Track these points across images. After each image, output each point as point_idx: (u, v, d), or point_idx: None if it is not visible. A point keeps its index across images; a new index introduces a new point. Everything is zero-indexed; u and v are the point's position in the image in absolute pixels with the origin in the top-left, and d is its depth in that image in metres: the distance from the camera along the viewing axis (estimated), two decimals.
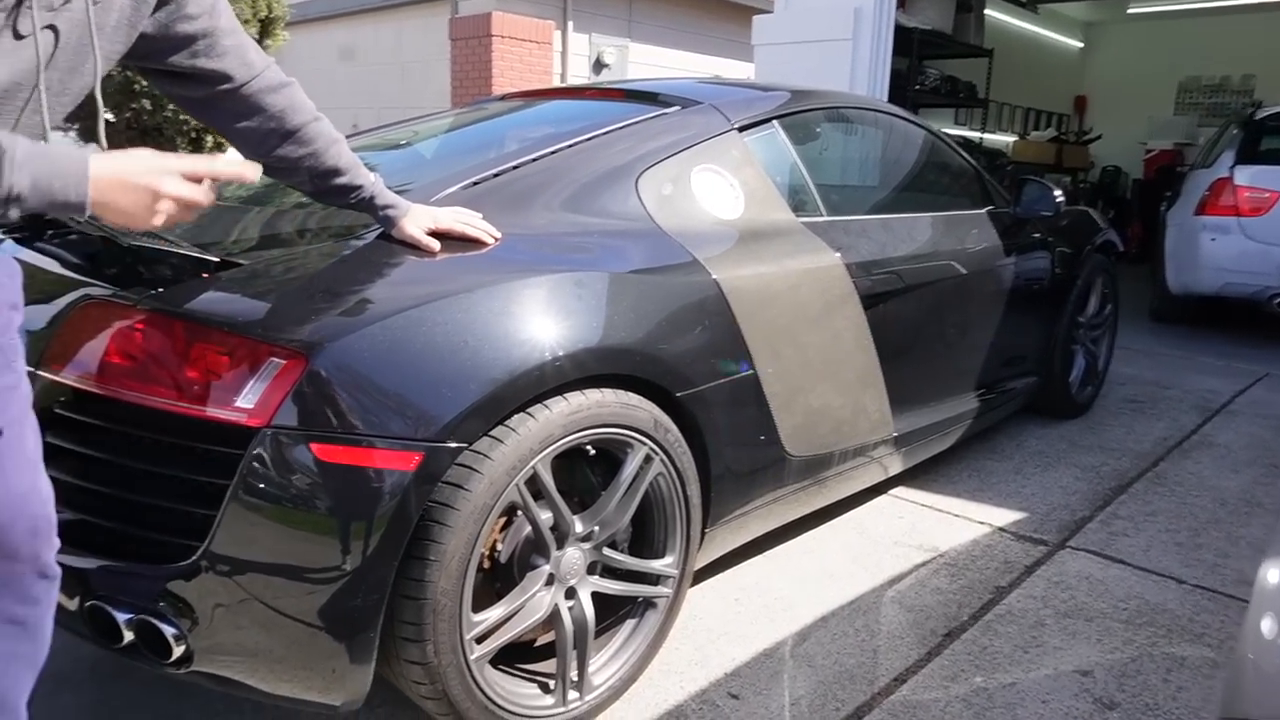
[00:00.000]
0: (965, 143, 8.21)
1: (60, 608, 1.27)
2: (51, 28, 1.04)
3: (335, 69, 11.79)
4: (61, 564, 1.23)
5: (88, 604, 1.28)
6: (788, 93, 2.38)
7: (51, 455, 1.30)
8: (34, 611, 1.18)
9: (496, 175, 1.72)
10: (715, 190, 1.96)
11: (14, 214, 0.94)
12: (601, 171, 1.79)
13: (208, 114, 1.33)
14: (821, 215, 2.21)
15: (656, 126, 1.99)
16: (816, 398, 2.03)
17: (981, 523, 2.44)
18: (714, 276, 1.76)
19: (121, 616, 1.26)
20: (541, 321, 1.42)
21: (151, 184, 1.01)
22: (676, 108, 2.11)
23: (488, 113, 2.50)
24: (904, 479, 2.67)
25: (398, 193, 1.51)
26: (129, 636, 1.26)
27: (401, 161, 2.22)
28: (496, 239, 1.52)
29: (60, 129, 1.02)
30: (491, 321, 1.37)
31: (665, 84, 2.46)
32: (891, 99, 6.00)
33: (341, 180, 1.42)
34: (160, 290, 1.32)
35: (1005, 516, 2.48)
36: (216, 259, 1.35)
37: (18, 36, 1.00)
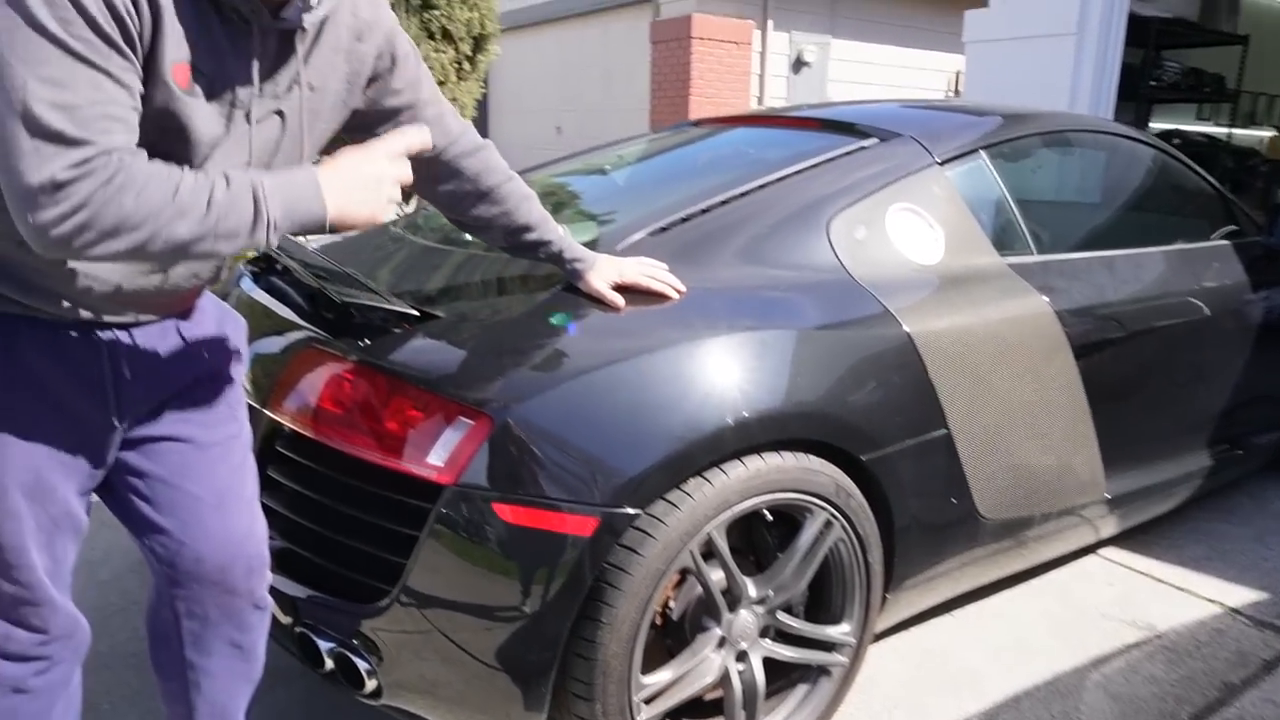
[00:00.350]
0: (1210, 141, 7.35)
1: (276, 622, 1.40)
2: (279, 113, 1.13)
3: (540, 73, 12.30)
4: (275, 588, 1.36)
5: (297, 629, 1.39)
6: (997, 118, 2.21)
7: (267, 487, 1.44)
8: (250, 637, 1.31)
9: (684, 220, 1.71)
10: (913, 232, 1.85)
11: (274, 240, 1.03)
12: (791, 216, 1.74)
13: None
14: (1031, 254, 2.03)
15: (852, 163, 1.90)
16: (1017, 457, 1.87)
17: (1210, 600, 2.17)
18: (906, 329, 1.67)
19: (324, 645, 1.37)
20: (721, 384, 1.40)
21: (373, 175, 1.08)
22: (874, 140, 2.01)
23: (678, 142, 2.50)
24: (1118, 540, 2.43)
25: (587, 239, 1.53)
26: (330, 665, 1.37)
27: (591, 199, 2.26)
28: (681, 293, 1.52)
29: None
30: (670, 384, 1.36)
31: (864, 110, 2.36)
32: (1122, 96, 5.47)
33: (531, 236, 1.47)
34: (367, 341, 1.41)
35: (1241, 595, 2.19)
36: (417, 312, 1.43)
37: (250, 122, 1.10)
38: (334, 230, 1.08)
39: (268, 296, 1.71)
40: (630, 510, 1.29)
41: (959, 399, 1.73)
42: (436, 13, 4.92)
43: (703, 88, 9.15)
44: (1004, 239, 2.01)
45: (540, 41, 12.13)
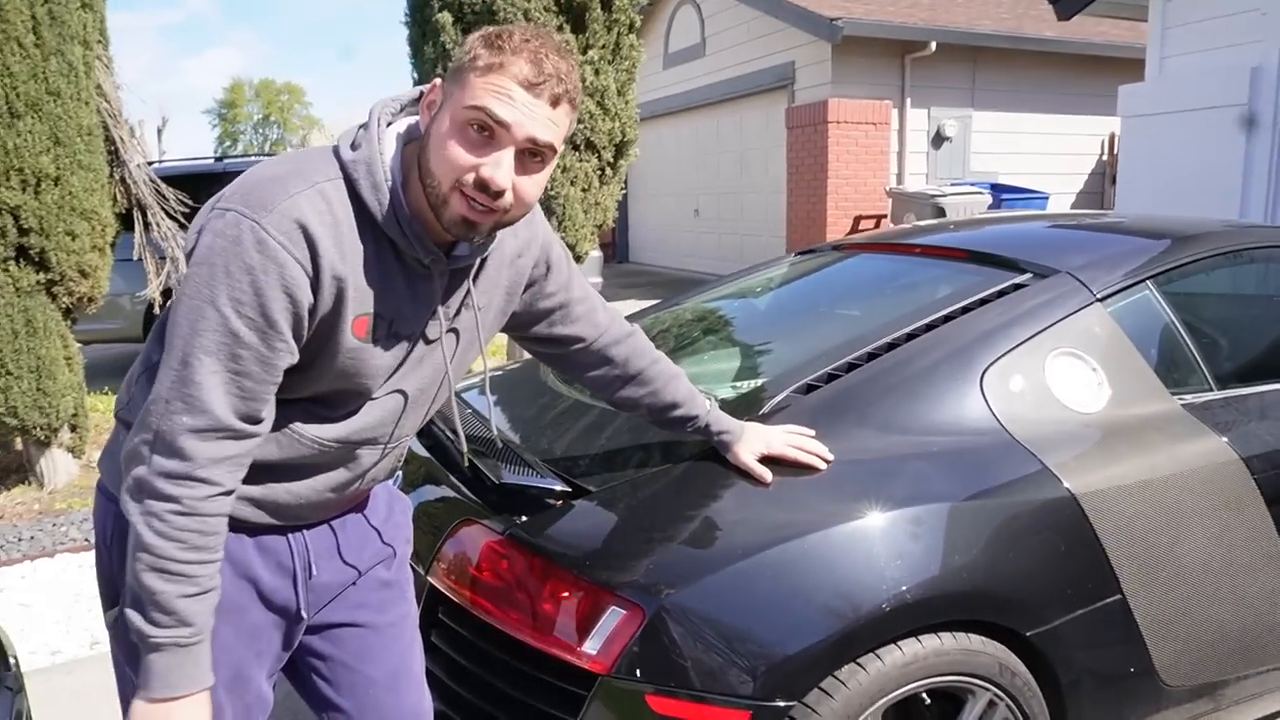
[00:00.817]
0: None
1: None
2: (453, 331, 1.23)
3: (678, 157, 12.65)
4: None
5: None
6: (1162, 241, 2.09)
7: (429, 650, 1.51)
8: None
9: (829, 378, 1.70)
10: (1074, 379, 1.77)
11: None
12: (944, 370, 1.70)
13: (558, 364, 1.50)
14: (1209, 391, 1.89)
15: (1006, 307, 1.84)
16: (1205, 620, 1.72)
17: None
18: (1070, 489, 1.58)
19: None
20: (875, 567, 1.37)
21: None
22: (1028, 276, 1.94)
23: (818, 271, 2.50)
24: None
25: (731, 398, 1.55)
26: None
27: (731, 346, 2.29)
28: (829, 462, 1.51)
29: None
30: (821, 571, 1.35)
31: (1013, 235, 2.30)
32: None
33: (679, 412, 1.51)
34: (523, 518, 1.48)
35: None
36: (569, 488, 1.49)
37: (427, 342, 1.20)
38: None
39: (431, 457, 1.82)
40: (782, 703, 1.28)
41: (1133, 562, 1.62)
42: (581, 126, 5.19)
43: (840, 169, 9.15)
44: (1177, 377, 1.89)
45: (678, 128, 12.51)
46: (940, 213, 8.22)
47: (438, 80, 1.13)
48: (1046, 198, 9.31)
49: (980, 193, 8.50)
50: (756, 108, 10.73)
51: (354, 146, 1.11)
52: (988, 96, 9.90)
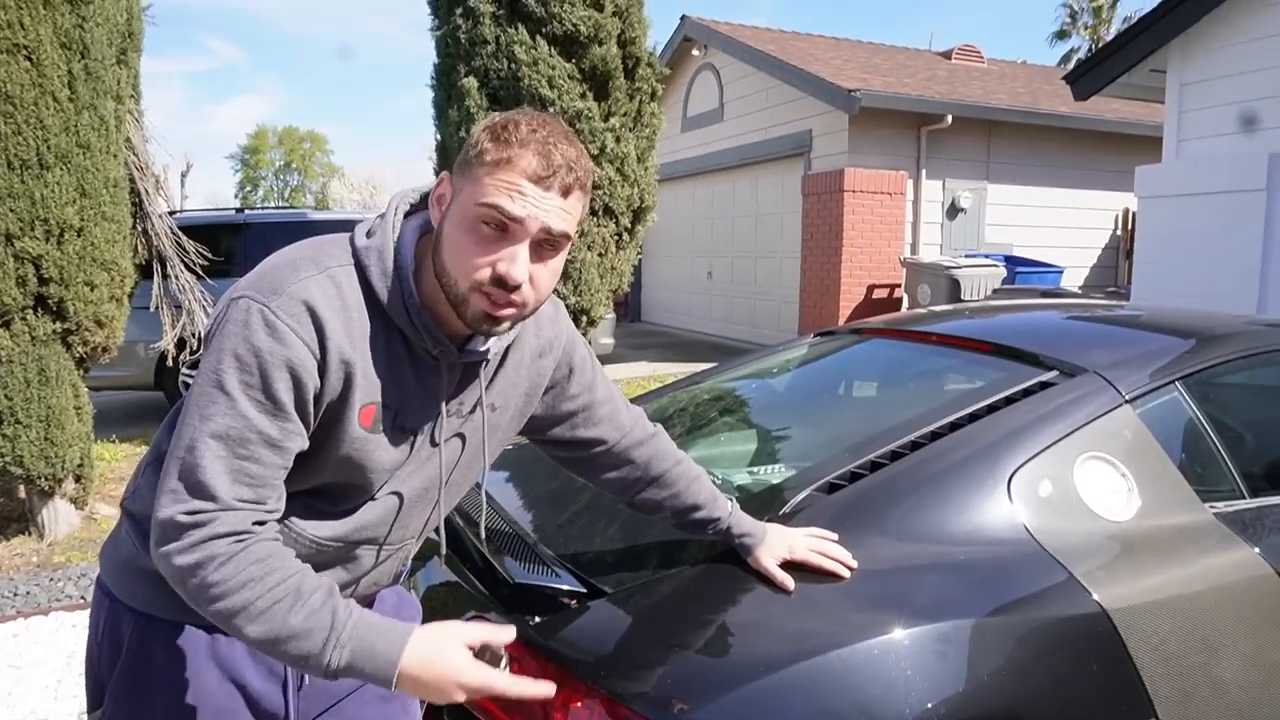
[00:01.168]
0: None
1: None
2: (460, 435, 1.19)
3: (692, 219, 12.76)
4: None
5: None
6: (1190, 340, 2.06)
7: None
8: None
9: (853, 477, 1.66)
10: (1103, 485, 1.72)
11: (330, 674, 1.02)
12: (971, 475, 1.65)
13: (576, 466, 1.46)
14: (1240, 499, 1.84)
15: (1033, 407, 1.81)
16: None
17: None
18: (1101, 603, 1.52)
19: None
20: (901, 687, 1.31)
21: (450, 678, 1.04)
22: (1054, 374, 1.91)
23: (838, 357, 2.48)
24: None
25: (752, 496, 1.51)
26: None
27: (749, 433, 2.25)
28: (852, 570, 1.46)
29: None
30: (844, 688, 1.28)
31: (1035, 328, 2.27)
32: None
33: (700, 515, 1.47)
34: (536, 619, 1.42)
35: None
36: (585, 588, 1.44)
37: (433, 444, 1.16)
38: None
39: (442, 540, 1.77)
40: None
41: (1169, 682, 1.55)
42: (599, 192, 5.24)
43: (855, 237, 9.20)
44: (1208, 483, 1.84)
45: (694, 190, 12.65)
46: (955, 284, 8.23)
47: (446, 174, 1.12)
48: (1061, 271, 9.32)
49: (995, 265, 8.52)
50: (773, 173, 10.85)
51: (369, 234, 1.11)
52: (1002, 170, 10.00)
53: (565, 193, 1.06)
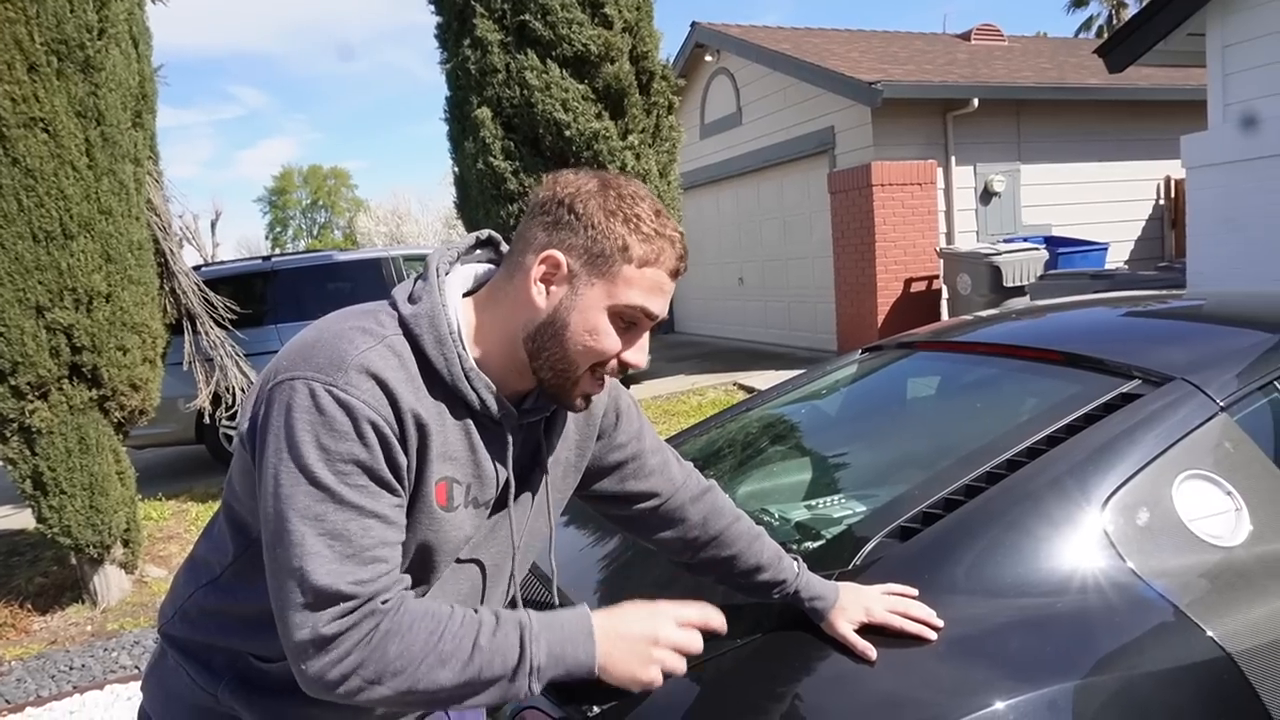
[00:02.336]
0: None
1: None
2: (527, 493, 1.12)
3: (719, 226, 12.61)
4: None
5: None
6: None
7: None
8: None
9: (926, 519, 1.51)
10: (1208, 507, 1.55)
11: (535, 688, 0.98)
12: (1057, 507, 1.50)
13: (632, 526, 1.34)
14: None
15: (1119, 424, 1.64)
16: None
17: None
18: (1221, 644, 1.36)
19: None
20: None
21: (649, 632, 1.03)
22: (1137, 384, 1.74)
23: (889, 376, 2.32)
24: None
25: (815, 549, 1.38)
26: None
27: (803, 469, 2.10)
28: (938, 630, 1.31)
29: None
30: None
31: (1101, 328, 2.09)
32: None
33: (764, 576, 1.34)
34: (594, 710, 1.30)
35: None
36: None
37: (499, 509, 1.12)
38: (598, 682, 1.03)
39: None
40: None
41: None
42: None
43: (887, 232, 8.99)
44: None
45: (718, 197, 12.51)
46: (996, 272, 7.98)
47: (558, 256, 1.03)
48: (1105, 248, 9.01)
49: (1036, 248, 8.25)
50: (797, 173, 10.67)
51: (412, 299, 1.05)
52: (1035, 149, 9.71)
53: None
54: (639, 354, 1.04)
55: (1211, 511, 1.54)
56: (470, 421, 1.04)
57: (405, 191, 40.67)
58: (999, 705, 1.20)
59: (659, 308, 1.03)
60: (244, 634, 1.04)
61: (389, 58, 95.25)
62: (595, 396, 1.16)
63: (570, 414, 1.19)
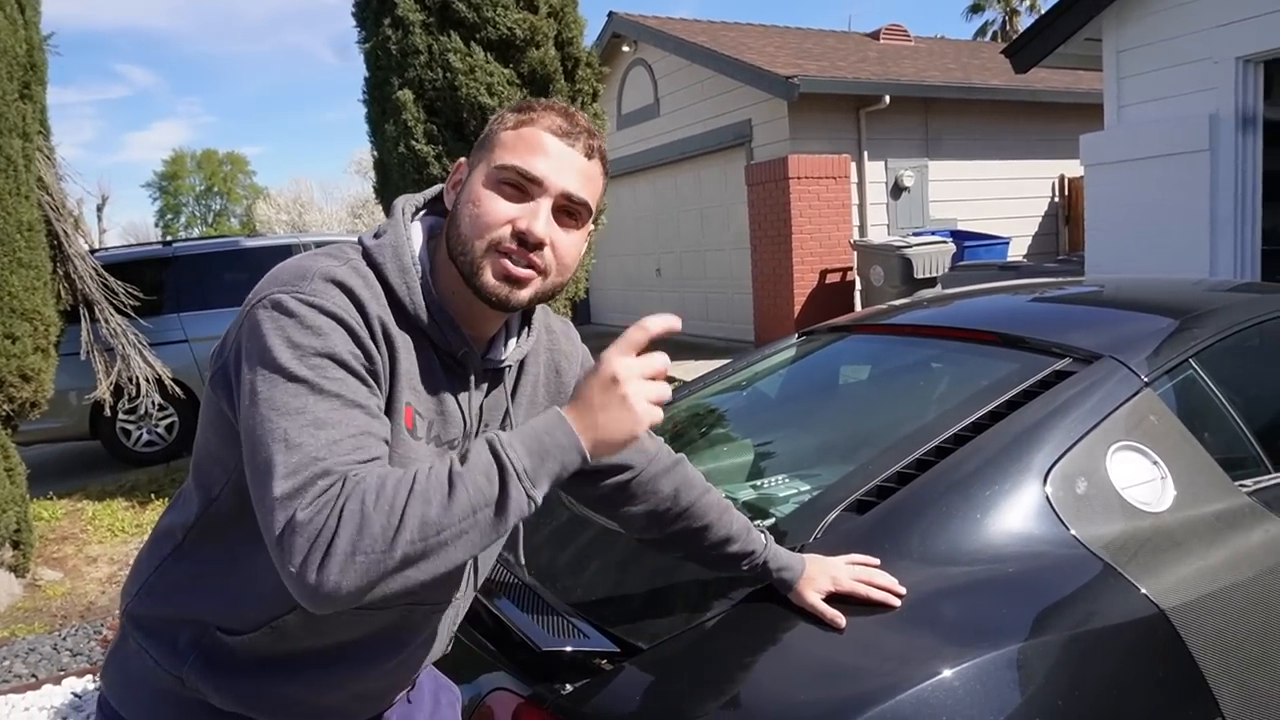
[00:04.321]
0: None
1: None
2: None
3: (637, 217, 12.64)
4: None
5: None
6: (1196, 314, 2.00)
7: None
8: None
9: (881, 492, 1.55)
10: (1137, 476, 1.64)
11: (536, 497, 0.91)
12: (1005, 476, 1.56)
13: (599, 504, 1.33)
14: (1268, 475, 1.78)
15: (1055, 397, 1.72)
16: None
17: None
18: (1156, 602, 1.43)
19: None
20: None
21: (620, 391, 0.94)
22: (1067, 362, 1.83)
23: (833, 359, 2.37)
24: None
25: (772, 513, 1.39)
26: None
27: (754, 446, 2.13)
28: (901, 597, 1.34)
29: None
30: None
31: (1028, 311, 2.19)
32: (1268, 198, 5.16)
33: (734, 548, 1.35)
34: (567, 687, 1.28)
35: None
36: (617, 646, 1.30)
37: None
38: (594, 461, 0.95)
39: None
40: None
41: (1230, 678, 1.47)
42: None
43: (803, 224, 9.18)
44: (1235, 463, 1.77)
45: (635, 187, 12.52)
46: (906, 264, 8.25)
47: (462, 160, 1.09)
48: (1007, 242, 9.43)
49: (944, 242, 8.56)
50: (714, 165, 10.78)
51: (377, 235, 1.05)
52: (942, 146, 10.07)
53: (588, 154, 1.04)
54: (531, 220, 0.98)
55: (1141, 480, 1.63)
56: (435, 357, 1.03)
57: (308, 179, 39.31)
58: (971, 664, 1.24)
59: (540, 166, 1.00)
60: (209, 599, 0.99)
61: (292, 39, 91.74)
62: (547, 359, 1.16)
63: (539, 378, 1.17)
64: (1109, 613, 1.40)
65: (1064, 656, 1.32)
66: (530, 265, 1.00)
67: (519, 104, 1.06)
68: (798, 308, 9.32)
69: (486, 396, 1.10)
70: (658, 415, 0.95)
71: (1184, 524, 1.60)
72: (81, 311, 4.77)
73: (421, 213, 1.13)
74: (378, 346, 0.95)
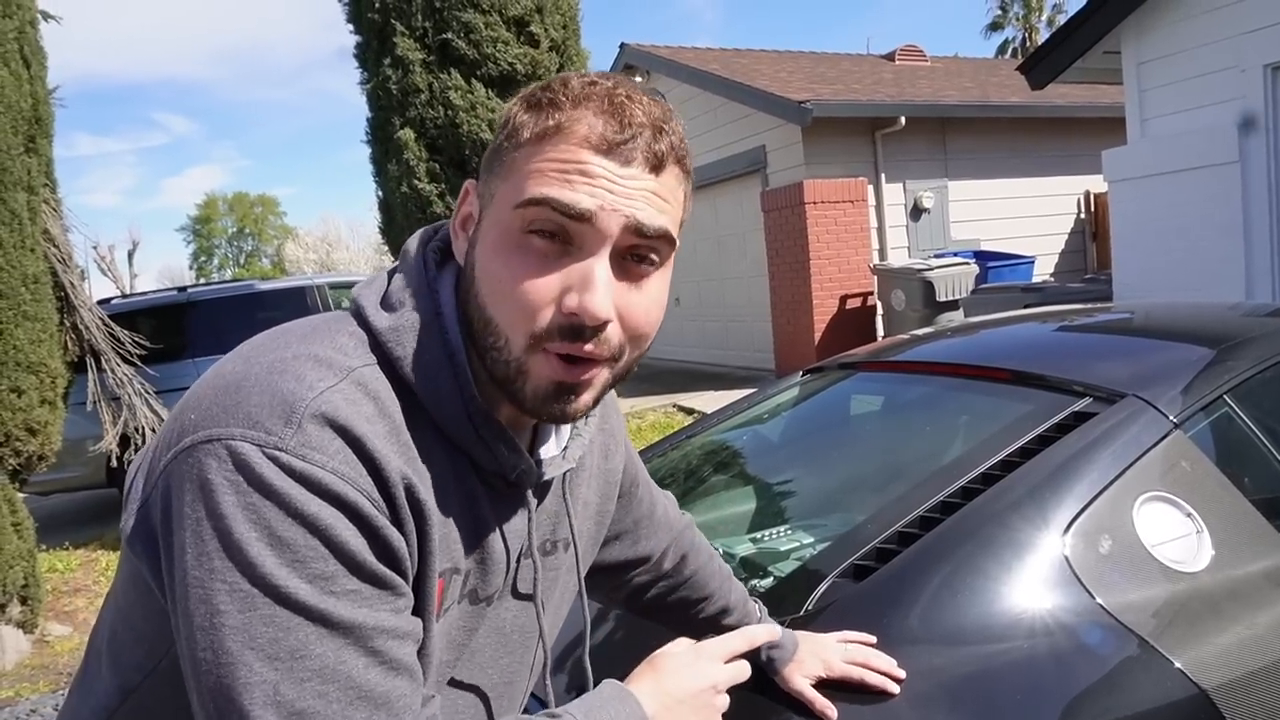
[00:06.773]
0: None
1: None
2: (551, 574, 0.92)
3: None
4: None
5: None
6: (1224, 343, 1.84)
7: None
8: None
9: (880, 557, 1.40)
10: (1168, 531, 1.48)
11: None
12: (1018, 536, 1.40)
13: (608, 583, 1.19)
14: None
15: (1072, 445, 1.56)
16: None
17: None
18: (1196, 681, 1.27)
19: None
20: None
21: (705, 683, 0.82)
22: (1088, 402, 1.67)
23: (834, 400, 2.22)
24: None
25: (765, 591, 1.30)
26: None
27: (749, 500, 1.98)
28: (900, 682, 1.19)
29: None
30: None
31: (1045, 343, 2.03)
32: None
33: (730, 620, 1.22)
34: None
35: None
36: None
37: (518, 597, 0.86)
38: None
39: None
40: None
41: None
42: None
43: (821, 249, 9.03)
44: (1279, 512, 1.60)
45: None
46: (928, 287, 8.06)
47: (469, 183, 0.77)
48: (1032, 261, 9.20)
49: (966, 263, 8.37)
50: (729, 193, 10.69)
51: (389, 305, 0.73)
52: (960, 165, 9.90)
53: (656, 165, 0.70)
54: (583, 292, 0.67)
55: (1174, 535, 1.47)
56: (476, 483, 0.76)
57: (335, 217, 39.91)
58: None
59: (582, 198, 0.67)
60: None
61: (319, 83, 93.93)
62: (598, 440, 0.93)
63: (591, 472, 0.93)
64: (1141, 695, 1.24)
65: None
66: (592, 360, 0.71)
67: (535, 92, 0.72)
68: (818, 335, 9.15)
69: (536, 509, 0.84)
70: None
71: (1224, 586, 1.43)
72: (89, 362, 4.75)
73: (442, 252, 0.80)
74: (402, 523, 0.67)
